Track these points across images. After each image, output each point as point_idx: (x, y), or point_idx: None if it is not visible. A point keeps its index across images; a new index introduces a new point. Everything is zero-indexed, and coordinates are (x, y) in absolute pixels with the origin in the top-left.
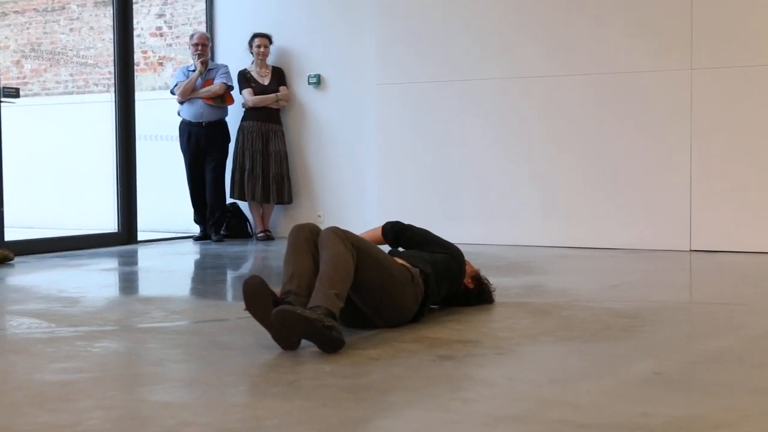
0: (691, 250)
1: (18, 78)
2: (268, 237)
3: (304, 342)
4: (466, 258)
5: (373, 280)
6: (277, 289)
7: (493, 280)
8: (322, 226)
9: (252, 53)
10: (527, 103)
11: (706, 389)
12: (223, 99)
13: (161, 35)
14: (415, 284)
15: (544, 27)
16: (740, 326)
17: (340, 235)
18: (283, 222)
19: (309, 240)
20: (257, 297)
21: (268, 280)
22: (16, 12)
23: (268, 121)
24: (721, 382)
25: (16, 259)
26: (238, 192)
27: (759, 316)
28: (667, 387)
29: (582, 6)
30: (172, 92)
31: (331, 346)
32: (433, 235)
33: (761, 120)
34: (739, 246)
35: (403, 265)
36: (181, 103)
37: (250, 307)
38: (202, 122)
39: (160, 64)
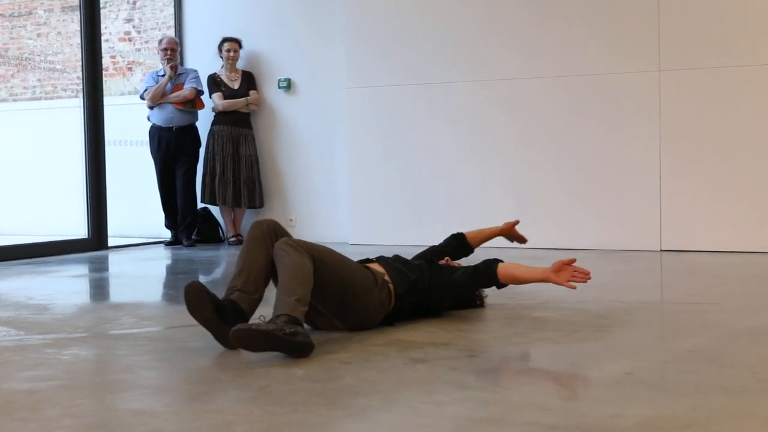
0: (661, 250)
1: None
2: (240, 241)
3: None
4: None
5: (333, 283)
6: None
7: None
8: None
9: (222, 57)
10: (497, 106)
11: (678, 389)
12: (193, 104)
13: (130, 40)
14: (380, 287)
15: (512, 30)
16: (711, 326)
17: (293, 244)
18: None
19: (266, 235)
20: (198, 302)
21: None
22: None
23: (239, 125)
24: (693, 381)
25: None
26: (209, 196)
27: (730, 315)
28: (638, 387)
29: (551, 9)
30: (142, 97)
31: (298, 350)
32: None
33: (729, 121)
34: (709, 246)
35: (367, 268)
36: (151, 108)
37: (192, 312)
38: (172, 127)
39: (129, 68)
